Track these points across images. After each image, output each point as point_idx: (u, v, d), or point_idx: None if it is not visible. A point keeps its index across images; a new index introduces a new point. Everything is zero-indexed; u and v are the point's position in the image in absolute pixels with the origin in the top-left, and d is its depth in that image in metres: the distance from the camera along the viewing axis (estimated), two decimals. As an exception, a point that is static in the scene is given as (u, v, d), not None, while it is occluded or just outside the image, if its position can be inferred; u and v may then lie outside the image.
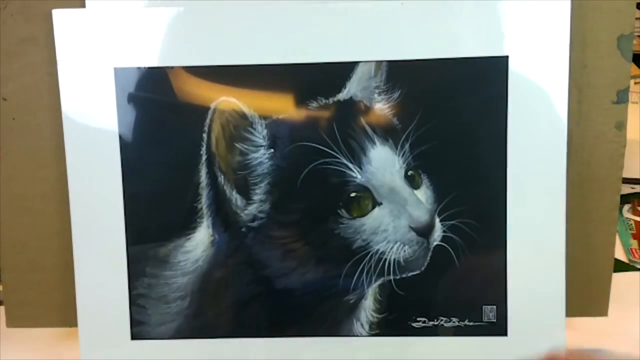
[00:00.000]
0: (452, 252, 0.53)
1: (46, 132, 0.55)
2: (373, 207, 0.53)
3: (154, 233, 0.55)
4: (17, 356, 0.59)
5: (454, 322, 0.54)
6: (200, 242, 0.55)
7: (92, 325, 0.55)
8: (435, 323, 0.54)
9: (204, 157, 0.54)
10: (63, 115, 0.53)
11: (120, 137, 0.54)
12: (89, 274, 0.55)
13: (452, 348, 0.54)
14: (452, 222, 0.53)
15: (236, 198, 0.54)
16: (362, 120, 0.53)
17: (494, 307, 0.54)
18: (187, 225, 0.55)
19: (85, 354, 0.56)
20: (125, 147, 0.54)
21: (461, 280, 0.54)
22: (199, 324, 0.55)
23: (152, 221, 0.55)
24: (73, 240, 0.55)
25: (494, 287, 0.54)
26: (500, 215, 0.53)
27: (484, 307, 0.54)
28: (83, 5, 0.53)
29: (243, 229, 0.54)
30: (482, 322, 0.54)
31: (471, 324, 0.54)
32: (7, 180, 0.56)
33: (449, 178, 0.53)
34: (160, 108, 0.54)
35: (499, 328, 0.54)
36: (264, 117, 0.53)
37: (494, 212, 0.53)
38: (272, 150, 0.53)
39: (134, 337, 0.55)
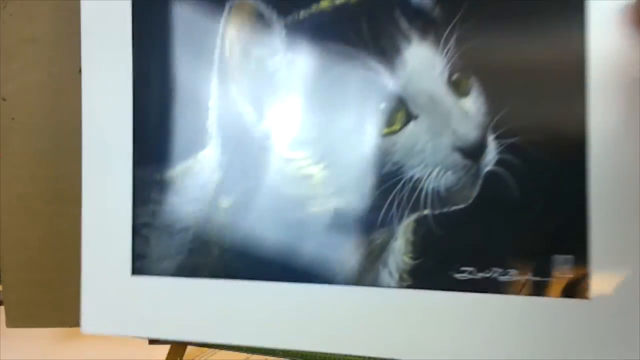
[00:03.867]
0: (510, 180, 0.40)
1: (46, 132, 0.55)
2: (407, 122, 0.42)
3: (161, 151, 0.48)
4: (17, 356, 0.58)
5: (510, 275, 0.40)
6: (207, 164, 0.47)
7: (94, 258, 0.50)
8: (486, 275, 0.41)
9: (216, 64, 0.46)
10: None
11: (133, 39, 0.48)
12: (94, 198, 0.49)
13: (508, 310, 0.40)
14: (510, 140, 0.40)
15: (249, 112, 0.46)
16: (396, 12, 0.42)
17: (570, 257, 0.39)
18: (196, 143, 0.47)
19: (85, 288, 0.50)
20: (137, 53, 0.48)
21: (522, 219, 0.40)
22: (201, 262, 0.47)
23: (159, 137, 0.48)
24: (82, 161, 0.50)
25: (569, 229, 0.39)
26: (577, 130, 0.39)
27: (554, 257, 0.40)
28: None
29: (255, 149, 0.46)
30: (553, 277, 0.40)
31: (536, 279, 0.40)
32: (7, 180, 0.56)
33: (506, 82, 0.41)
34: (174, 8, 0.48)
35: (574, 286, 0.39)
36: (283, 16, 0.45)
37: (569, 126, 0.39)
38: (291, 54, 0.45)
39: (135, 272, 0.49)
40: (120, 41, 0.48)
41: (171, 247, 0.48)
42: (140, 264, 0.48)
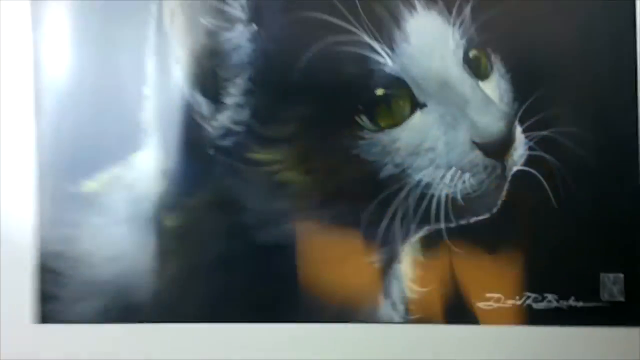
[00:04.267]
0: (545, 183, 0.32)
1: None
2: (412, 112, 0.34)
3: (76, 159, 0.36)
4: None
5: (549, 301, 0.33)
6: (144, 171, 0.36)
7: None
8: (517, 302, 0.33)
9: (151, 40, 0.35)
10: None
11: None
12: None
13: (547, 344, 0.33)
14: (542, 132, 0.33)
15: (200, 102, 0.35)
16: (395, -28, 0.34)
17: (620, 276, 0.32)
18: (126, 145, 0.36)
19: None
20: (36, 29, 0.36)
21: (560, 231, 0.33)
22: (140, 302, 0.35)
23: (73, 140, 0.36)
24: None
25: (619, 245, 0.32)
26: (628, 119, 0.32)
27: (602, 276, 0.32)
28: None
29: (210, 151, 0.35)
30: (600, 302, 0.32)
31: (579, 304, 0.33)
32: None
33: (536, 60, 0.33)
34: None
35: (627, 312, 0.32)
36: (242, -25, 0.35)
37: (617, 113, 0.32)
38: (254, 26, 0.34)
39: (42, 319, 0.36)
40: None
41: (93, 285, 0.36)
42: (50, 308, 0.36)
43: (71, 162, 0.36)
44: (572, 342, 0.33)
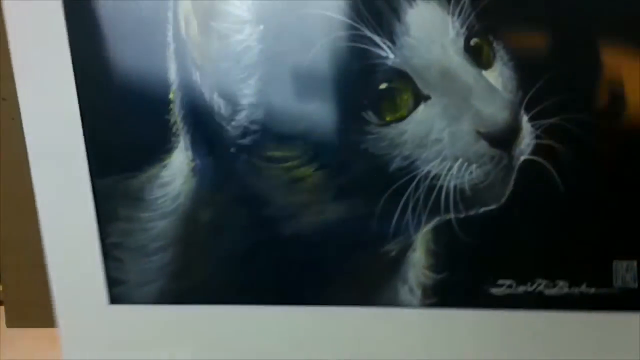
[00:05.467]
0: (553, 171, 0.32)
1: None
2: (416, 105, 0.34)
3: (121, 160, 0.40)
4: (17, 356, 0.57)
5: (560, 287, 0.33)
6: (178, 170, 0.39)
7: (65, 286, 0.42)
8: (529, 289, 0.33)
9: (171, 46, 0.37)
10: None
11: (68, 31, 0.39)
12: (53, 218, 0.42)
13: (558, 329, 0.33)
14: (549, 120, 0.31)
15: (219, 104, 0.37)
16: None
17: (633, 263, 0.31)
18: (160, 147, 0.39)
19: (61, 318, 0.43)
20: (74, 46, 0.39)
21: (570, 218, 0.32)
22: (184, 286, 0.40)
23: (117, 144, 0.40)
24: (33, 181, 0.41)
25: (632, 231, 0.31)
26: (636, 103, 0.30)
27: (615, 263, 0.32)
28: None
29: (232, 149, 0.37)
30: (612, 287, 0.32)
31: (591, 291, 0.32)
32: (7, 180, 0.54)
33: (540, 46, 0.31)
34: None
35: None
36: (246, -24, 0.35)
37: (625, 99, 0.30)
38: (261, 27, 0.35)
39: (113, 300, 0.41)
40: (53, 35, 0.38)
41: (149, 270, 0.40)
42: (118, 292, 0.41)
43: (116, 163, 0.40)
44: (583, 328, 0.33)
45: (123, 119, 0.39)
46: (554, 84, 0.31)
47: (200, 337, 0.40)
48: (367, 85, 0.34)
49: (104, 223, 0.41)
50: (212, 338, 0.39)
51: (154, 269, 0.40)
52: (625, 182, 0.31)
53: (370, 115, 0.34)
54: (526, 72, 0.31)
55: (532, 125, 0.32)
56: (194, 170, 0.38)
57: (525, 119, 0.32)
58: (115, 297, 0.42)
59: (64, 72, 0.39)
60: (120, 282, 0.41)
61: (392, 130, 0.34)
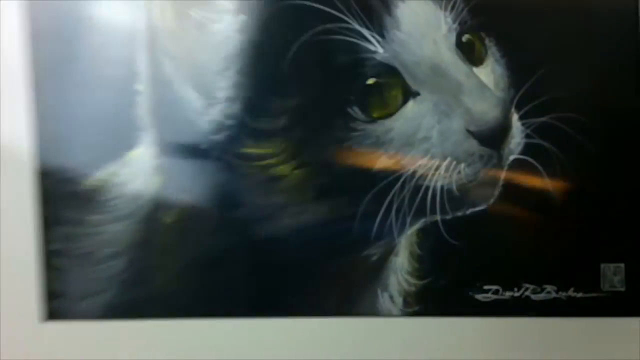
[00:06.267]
0: (543, 172, 0.31)
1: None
2: (405, 101, 0.33)
3: (73, 157, 0.36)
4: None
5: (548, 292, 0.32)
6: (140, 168, 0.36)
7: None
8: (516, 294, 0.32)
9: (142, 35, 0.35)
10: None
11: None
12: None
13: (547, 335, 0.32)
14: (540, 119, 0.31)
15: (191, 97, 0.34)
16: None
17: (621, 266, 0.31)
18: (121, 143, 0.35)
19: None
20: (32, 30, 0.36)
21: (559, 221, 0.32)
22: (139, 297, 0.36)
23: (69, 136, 0.36)
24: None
25: (620, 234, 0.31)
26: (630, 104, 0.31)
27: (602, 266, 0.31)
28: None
29: (203, 146, 0.34)
30: (601, 292, 0.32)
31: (579, 295, 0.32)
32: None
33: (533, 43, 0.32)
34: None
35: (628, 302, 0.31)
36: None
37: (620, 96, 0.31)
38: (243, 17, 0.33)
39: (50, 316, 0.37)
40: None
41: (96, 281, 0.36)
42: (56, 306, 0.37)
43: (68, 161, 0.36)
44: (572, 333, 0.32)
45: (79, 109, 0.36)
46: (546, 82, 0.31)
47: (159, 356, 0.36)
48: (354, 80, 0.33)
49: (46, 227, 0.37)
50: (173, 356, 0.35)
51: (102, 279, 0.36)
52: (614, 184, 0.31)
53: (356, 111, 0.33)
54: (518, 69, 0.32)
55: (523, 124, 0.32)
56: (158, 168, 0.35)
57: (516, 117, 0.32)
58: (53, 312, 0.37)
59: (16, 61, 0.36)
60: (58, 295, 0.37)
61: (379, 127, 0.33)
